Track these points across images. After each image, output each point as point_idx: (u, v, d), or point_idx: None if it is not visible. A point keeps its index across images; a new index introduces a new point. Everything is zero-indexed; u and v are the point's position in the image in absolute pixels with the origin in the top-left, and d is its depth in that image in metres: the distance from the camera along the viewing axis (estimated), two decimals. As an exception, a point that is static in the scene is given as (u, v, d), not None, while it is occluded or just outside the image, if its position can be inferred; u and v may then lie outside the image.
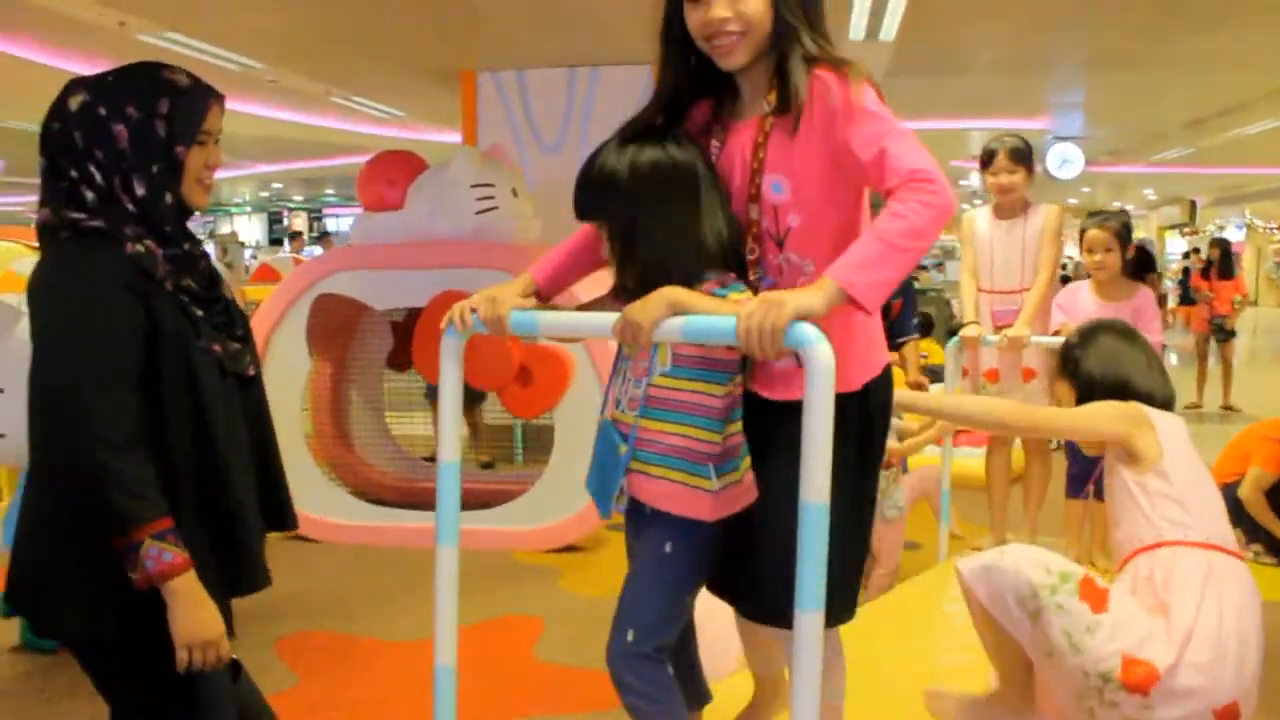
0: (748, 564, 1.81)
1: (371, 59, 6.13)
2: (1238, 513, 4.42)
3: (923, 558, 4.09)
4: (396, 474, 5.52)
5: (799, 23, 1.67)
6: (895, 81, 6.94)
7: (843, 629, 1.92)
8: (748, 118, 1.76)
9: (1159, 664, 1.87)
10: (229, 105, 1.76)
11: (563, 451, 4.57)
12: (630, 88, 5.58)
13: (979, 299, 3.85)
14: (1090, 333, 2.41)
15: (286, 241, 15.68)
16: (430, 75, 6.32)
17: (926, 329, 7.09)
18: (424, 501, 4.84)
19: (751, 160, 1.73)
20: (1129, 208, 23.59)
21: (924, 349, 6.75)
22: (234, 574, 1.68)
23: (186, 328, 1.62)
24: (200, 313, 1.66)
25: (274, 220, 22.11)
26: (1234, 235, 21.55)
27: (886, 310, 4.15)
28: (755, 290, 1.73)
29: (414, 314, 4.91)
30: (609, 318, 1.62)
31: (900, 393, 2.19)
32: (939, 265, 15.40)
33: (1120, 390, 2.25)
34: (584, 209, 1.80)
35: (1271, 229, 22.61)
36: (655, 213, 1.72)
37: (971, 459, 5.15)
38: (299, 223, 22.24)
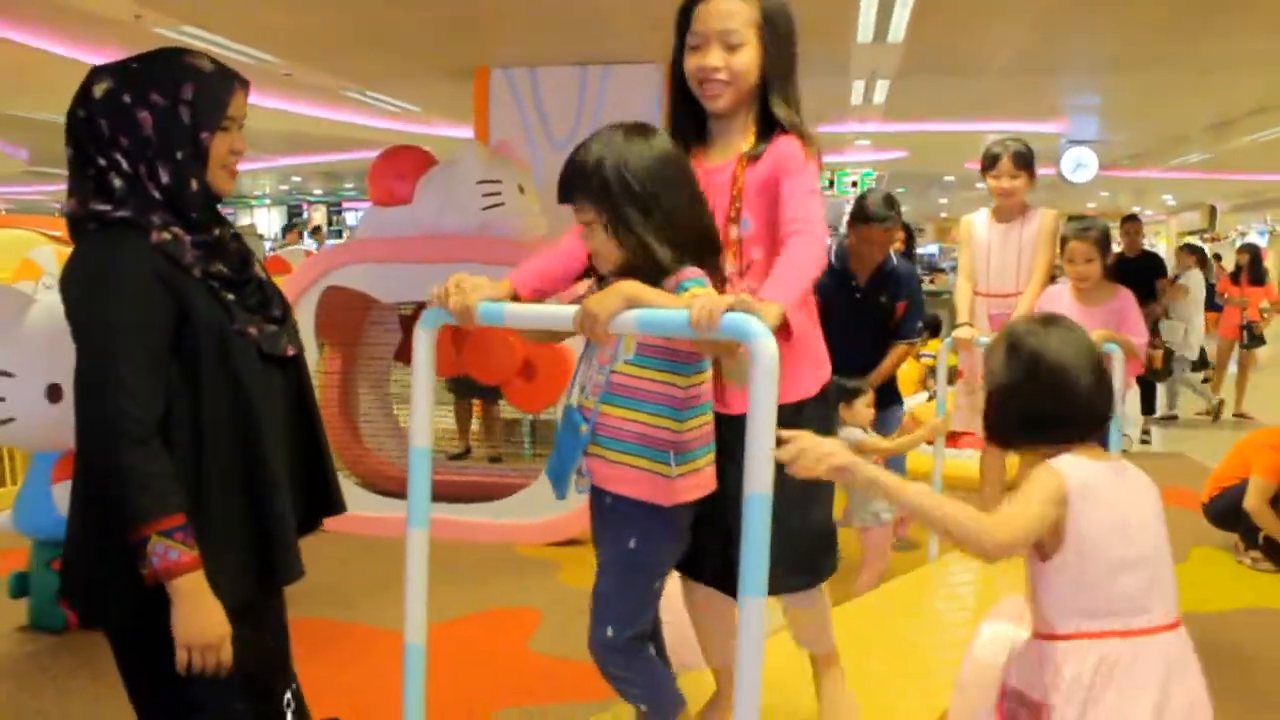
0: (730, 549, 1.86)
1: (387, 54, 6.17)
2: (1235, 517, 4.42)
3: (921, 558, 4.10)
4: (403, 466, 5.55)
5: (778, 83, 1.94)
6: (906, 82, 6.94)
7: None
8: (726, 157, 1.97)
9: None
10: (246, 98, 1.74)
11: (564, 446, 4.58)
12: (641, 87, 5.63)
13: (976, 302, 3.88)
14: (1002, 364, 1.79)
15: (306, 235, 15.75)
16: (445, 71, 6.36)
17: (934, 331, 7.09)
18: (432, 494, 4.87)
19: (731, 189, 1.92)
20: (1149, 213, 23.44)
21: (930, 349, 6.77)
22: (268, 563, 1.66)
23: (219, 313, 1.61)
24: (231, 296, 1.64)
25: (293, 213, 22.21)
26: (1257, 241, 21.34)
27: (890, 313, 4.22)
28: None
29: (422, 308, 4.93)
30: (571, 310, 1.66)
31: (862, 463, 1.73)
32: (955, 269, 15.24)
33: (1038, 433, 1.76)
34: (567, 191, 1.85)
35: (1295, 234, 22.39)
36: (640, 201, 1.76)
37: (968, 460, 5.14)
38: (318, 216, 22.35)
